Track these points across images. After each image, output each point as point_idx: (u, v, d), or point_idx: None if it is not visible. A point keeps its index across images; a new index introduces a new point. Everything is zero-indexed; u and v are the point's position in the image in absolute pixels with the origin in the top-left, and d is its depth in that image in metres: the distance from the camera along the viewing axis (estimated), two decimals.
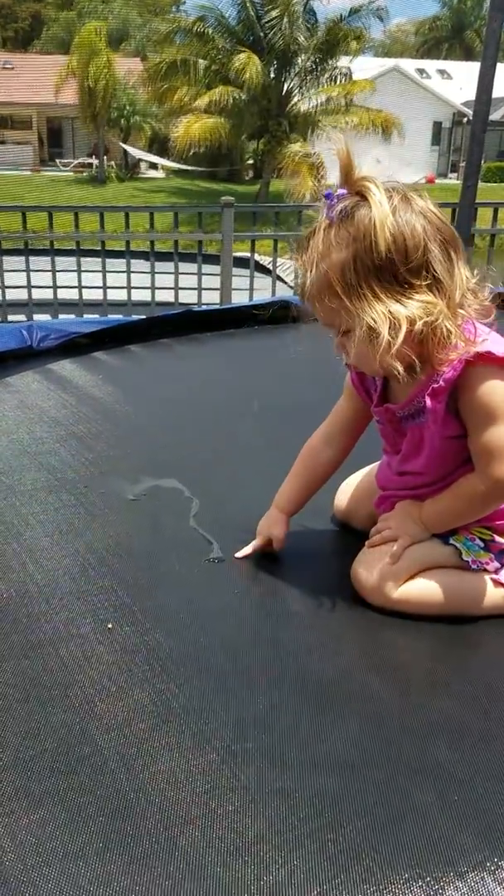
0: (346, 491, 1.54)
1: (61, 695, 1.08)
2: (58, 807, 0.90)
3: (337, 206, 1.14)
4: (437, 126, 31.66)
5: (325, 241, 1.14)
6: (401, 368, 1.15)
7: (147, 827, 0.87)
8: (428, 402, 1.22)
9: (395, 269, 1.12)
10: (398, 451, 1.35)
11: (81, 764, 0.96)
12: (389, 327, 1.11)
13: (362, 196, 1.13)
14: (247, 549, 1.45)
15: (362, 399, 1.39)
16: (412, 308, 1.12)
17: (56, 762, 0.96)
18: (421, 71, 34.35)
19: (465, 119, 28.48)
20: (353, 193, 1.14)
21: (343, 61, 21.86)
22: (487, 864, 0.84)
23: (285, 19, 20.85)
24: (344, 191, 1.15)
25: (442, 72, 36.06)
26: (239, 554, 1.44)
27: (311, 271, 1.16)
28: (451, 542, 1.29)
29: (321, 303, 1.17)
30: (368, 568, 1.29)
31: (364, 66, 23.01)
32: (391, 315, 1.11)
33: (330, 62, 21.92)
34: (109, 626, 1.23)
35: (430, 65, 37.38)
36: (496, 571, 1.29)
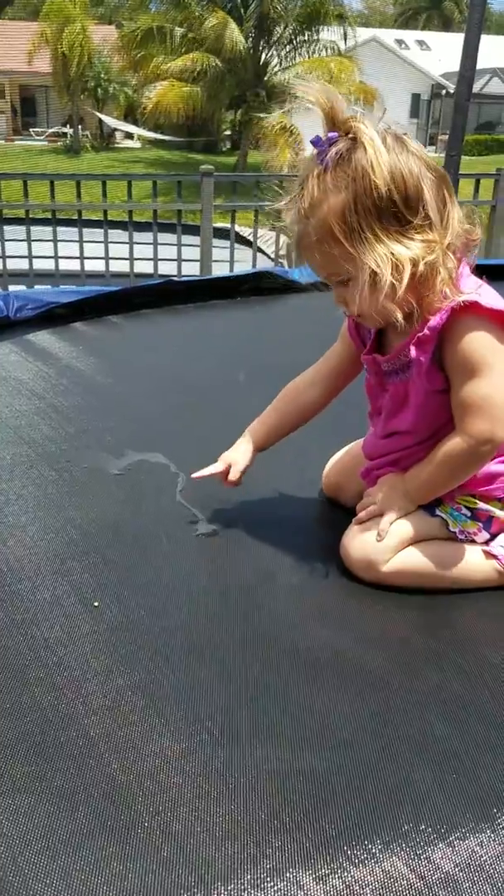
0: (334, 466, 1.52)
1: (46, 676, 1.05)
2: (44, 791, 0.87)
3: (329, 150, 1.10)
4: (416, 98, 31.43)
5: (321, 187, 1.11)
6: (400, 315, 1.13)
7: (138, 810, 0.85)
8: (413, 352, 1.19)
9: (395, 209, 1.09)
10: (380, 411, 1.33)
11: (68, 746, 0.93)
12: (393, 269, 1.09)
13: (353, 138, 1.09)
14: (203, 472, 1.44)
15: (356, 346, 1.35)
16: (414, 248, 1.10)
17: (41, 745, 0.93)
18: (400, 42, 34.01)
19: (444, 91, 28.33)
20: (344, 135, 1.10)
21: (327, 34, 21.54)
22: (489, 842, 0.82)
23: None
24: (334, 134, 1.11)
25: (421, 42, 35.74)
26: (195, 475, 1.44)
27: (308, 219, 1.13)
28: (438, 513, 1.27)
29: (320, 251, 1.14)
30: (357, 544, 1.27)
31: (346, 43, 22.63)
32: (394, 256, 1.09)
33: (310, 34, 21.60)
34: (95, 604, 1.19)
35: (409, 35, 37.01)
36: (486, 543, 1.27)
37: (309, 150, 1.15)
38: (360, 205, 1.09)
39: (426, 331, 1.16)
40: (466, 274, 1.18)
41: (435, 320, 1.15)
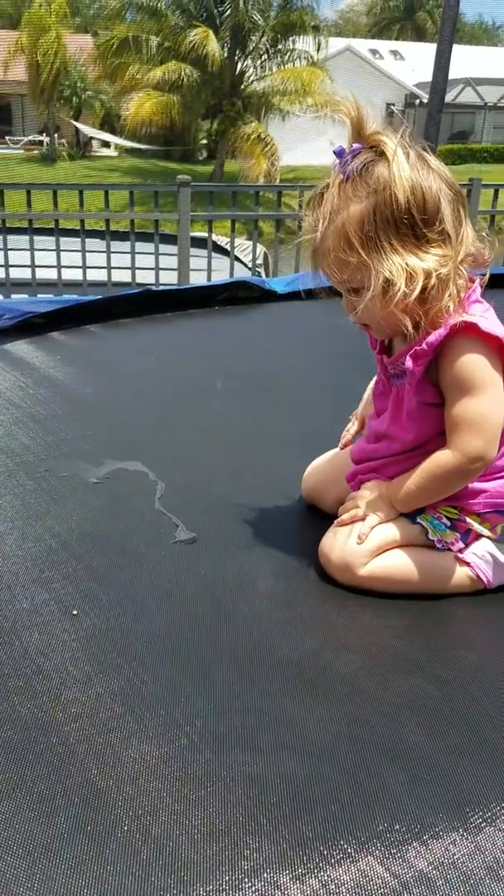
0: (314, 472, 1.53)
1: (25, 684, 1.05)
2: (25, 798, 0.87)
3: (352, 160, 1.14)
4: (390, 107, 31.73)
5: (342, 195, 1.15)
6: (410, 325, 1.17)
7: (118, 815, 0.86)
8: (408, 362, 1.21)
9: (412, 222, 1.13)
10: (381, 412, 1.36)
11: (48, 753, 0.94)
12: (406, 280, 1.12)
13: (378, 151, 1.13)
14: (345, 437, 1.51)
15: (370, 344, 1.38)
16: (429, 261, 1.13)
17: (21, 752, 0.94)
18: (374, 51, 34.34)
19: (418, 101, 28.61)
20: (368, 148, 1.15)
21: (302, 44, 21.73)
22: (462, 841, 0.84)
23: None
24: (359, 146, 1.15)
25: (395, 52, 36.10)
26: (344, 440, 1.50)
27: (325, 225, 1.16)
28: (419, 520, 1.29)
29: (335, 257, 1.17)
30: (336, 546, 1.29)
31: (319, 53, 22.80)
32: (408, 267, 1.12)
33: (284, 44, 21.76)
34: (75, 612, 1.20)
35: (383, 45, 37.37)
36: (460, 551, 1.29)
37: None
38: (379, 215, 1.13)
39: (424, 345, 1.19)
40: (476, 297, 1.22)
41: (433, 336, 1.18)
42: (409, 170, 1.12)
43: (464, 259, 1.17)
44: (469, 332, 1.17)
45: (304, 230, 1.24)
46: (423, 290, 1.14)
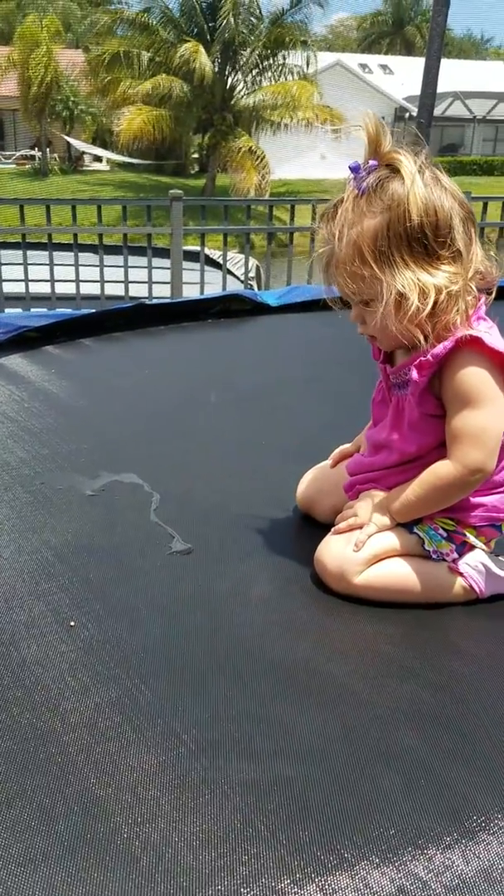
0: (309, 482, 1.55)
1: (24, 695, 1.06)
2: (25, 807, 0.88)
3: (367, 177, 1.17)
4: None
5: (356, 210, 1.18)
6: (422, 337, 1.20)
7: (117, 823, 0.87)
8: (413, 373, 1.24)
9: (425, 239, 1.16)
10: (379, 422, 1.38)
11: (48, 763, 0.95)
12: (419, 294, 1.15)
13: (393, 168, 1.17)
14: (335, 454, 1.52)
15: (373, 355, 1.40)
16: (440, 277, 1.16)
17: (21, 762, 0.95)
18: (363, 66, 34.65)
19: (407, 114, 28.84)
20: (384, 166, 1.18)
21: (293, 58, 21.90)
22: (455, 844, 0.85)
23: (230, 9, 20.79)
24: (374, 162, 1.18)
25: (384, 67, 36.42)
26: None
27: (339, 239, 1.19)
28: (415, 530, 1.30)
29: (348, 270, 1.20)
30: (332, 554, 1.30)
31: (309, 67, 22.99)
32: (420, 283, 1.16)
33: (276, 59, 21.94)
34: (72, 623, 1.21)
35: (373, 60, 37.71)
36: (454, 562, 1.31)
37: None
38: (393, 231, 1.16)
39: (429, 357, 1.21)
40: (481, 314, 1.24)
41: (438, 348, 1.20)
42: (423, 188, 1.16)
43: (472, 276, 1.20)
44: (474, 347, 1.19)
45: (318, 242, 1.27)
46: (434, 304, 1.17)
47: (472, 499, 1.29)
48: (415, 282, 1.16)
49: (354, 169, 1.20)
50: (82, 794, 0.90)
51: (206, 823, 0.87)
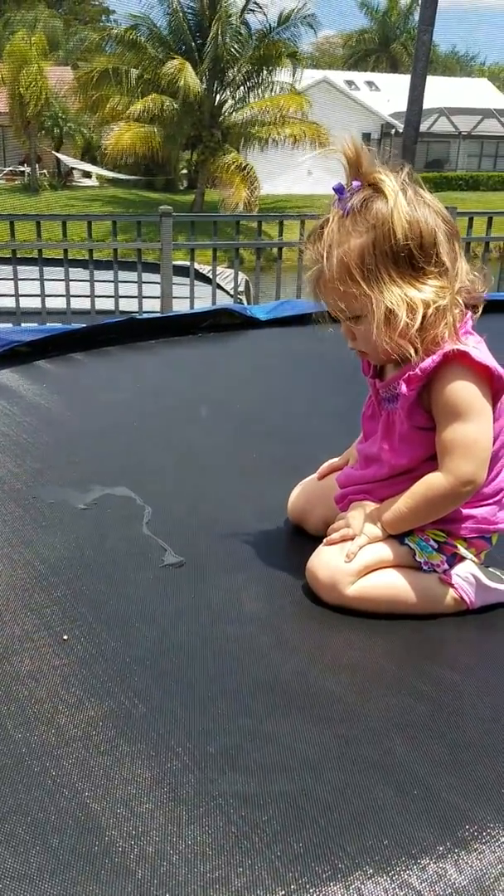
0: (300, 494, 1.56)
1: (18, 710, 1.06)
2: (20, 821, 0.88)
3: (352, 197, 1.20)
4: (366, 137, 32.25)
5: (342, 230, 1.20)
6: (413, 351, 1.21)
7: (112, 837, 0.87)
8: (402, 387, 1.25)
9: (410, 256, 1.18)
10: (369, 436, 1.39)
11: (42, 777, 0.95)
12: (407, 310, 1.17)
13: (376, 188, 1.19)
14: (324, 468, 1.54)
15: (363, 369, 1.41)
16: (427, 292, 1.19)
17: (15, 777, 0.95)
18: (350, 83, 34.98)
19: (394, 130, 29.14)
20: (367, 185, 1.20)
21: (280, 75, 22.09)
22: (448, 854, 0.86)
23: (218, 29, 20.98)
24: (357, 183, 1.20)
25: (370, 83, 36.78)
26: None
27: (327, 259, 1.21)
28: (406, 542, 1.31)
29: (337, 289, 1.22)
30: (324, 565, 1.31)
31: (295, 78, 23.23)
32: (408, 298, 1.18)
33: (263, 75, 22.13)
34: (65, 637, 1.21)
35: (359, 76, 38.08)
36: (445, 573, 1.32)
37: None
38: (379, 249, 1.18)
39: (417, 370, 1.23)
40: (469, 329, 1.26)
41: (427, 362, 1.22)
42: (406, 206, 1.18)
43: (459, 291, 1.22)
44: (461, 360, 1.21)
45: (306, 263, 1.29)
46: (422, 318, 1.19)
47: (462, 511, 1.31)
48: (402, 297, 1.18)
49: (339, 190, 1.22)
50: (77, 808, 0.90)
51: (200, 836, 0.87)
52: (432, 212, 1.21)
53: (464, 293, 1.24)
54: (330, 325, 1.31)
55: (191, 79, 20.68)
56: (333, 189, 1.23)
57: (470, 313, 1.27)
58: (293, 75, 22.48)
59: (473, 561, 1.33)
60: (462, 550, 1.32)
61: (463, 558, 1.32)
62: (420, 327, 1.20)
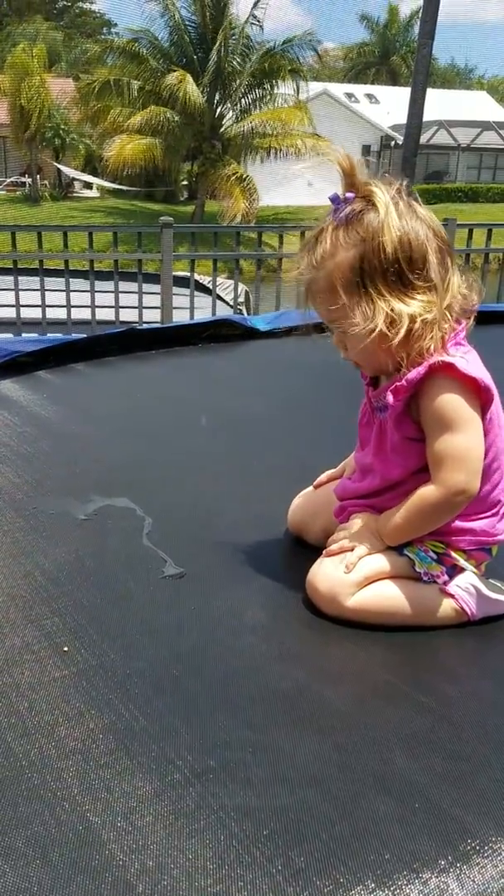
0: (300, 505, 1.56)
1: (18, 721, 1.06)
2: (20, 835, 0.88)
3: (345, 208, 1.20)
4: (366, 149, 32.41)
5: (334, 242, 1.21)
6: (391, 365, 1.22)
7: (112, 850, 0.86)
8: (389, 397, 1.26)
9: (399, 270, 1.19)
10: (364, 444, 1.39)
11: (42, 790, 0.94)
12: (390, 323, 1.18)
13: (369, 200, 1.19)
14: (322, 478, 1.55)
15: (361, 376, 1.42)
16: (414, 306, 1.19)
17: (15, 789, 0.94)
18: (350, 95, 35.19)
19: (393, 143, 29.30)
20: (361, 197, 1.20)
21: (282, 88, 22.20)
22: (450, 868, 0.85)
23: (222, 41, 21.11)
24: (352, 194, 1.21)
25: (370, 96, 36.99)
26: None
27: (318, 269, 1.22)
28: (406, 552, 1.31)
29: (326, 298, 1.23)
30: (323, 577, 1.31)
31: (299, 95, 23.34)
32: (394, 312, 1.18)
33: (265, 88, 22.24)
34: (65, 648, 1.21)
35: (359, 89, 38.30)
36: (445, 584, 1.32)
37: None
38: (368, 262, 1.18)
39: (404, 381, 1.23)
40: (461, 339, 1.26)
41: (413, 373, 1.22)
42: (397, 220, 1.18)
43: (449, 305, 1.23)
44: (447, 372, 1.21)
45: (299, 272, 1.29)
46: (409, 332, 1.19)
47: (460, 524, 1.31)
48: (388, 311, 1.18)
49: (334, 200, 1.23)
50: (77, 821, 0.90)
51: (201, 850, 0.87)
52: (424, 225, 1.21)
53: (455, 306, 1.24)
54: (318, 335, 1.32)
55: (192, 91, 20.79)
56: (329, 199, 1.24)
57: (464, 324, 1.27)
58: (296, 90, 22.57)
59: (474, 572, 1.33)
60: (461, 562, 1.32)
61: (463, 569, 1.32)
62: (406, 340, 1.20)
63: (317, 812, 0.92)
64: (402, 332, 1.18)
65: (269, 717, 1.08)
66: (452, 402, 1.22)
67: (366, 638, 1.26)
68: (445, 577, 1.31)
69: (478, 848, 0.88)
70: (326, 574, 1.31)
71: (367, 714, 1.10)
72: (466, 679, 1.20)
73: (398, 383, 1.24)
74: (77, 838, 0.88)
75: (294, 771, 0.99)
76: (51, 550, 1.50)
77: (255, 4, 21.90)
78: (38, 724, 1.05)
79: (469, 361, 1.23)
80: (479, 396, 1.24)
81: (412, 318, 1.18)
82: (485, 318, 1.32)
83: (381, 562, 1.31)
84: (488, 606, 1.32)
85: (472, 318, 1.29)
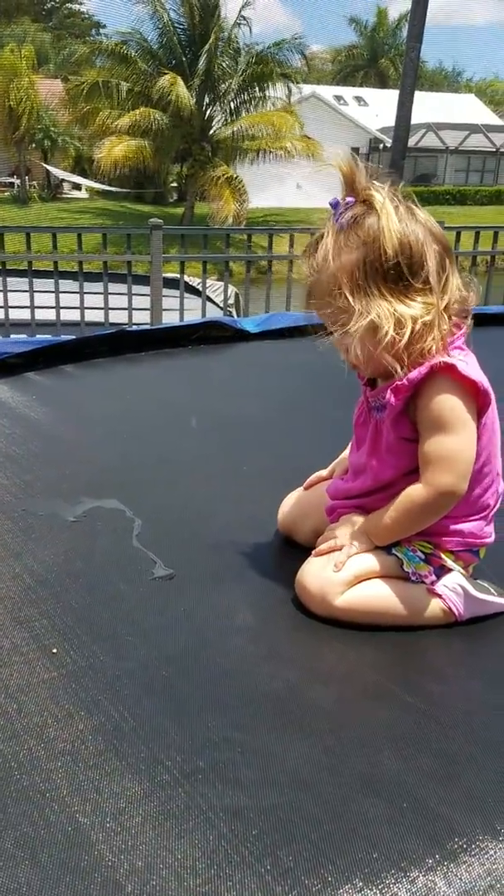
0: (290, 505, 1.56)
1: (6, 723, 1.06)
2: (8, 837, 0.88)
3: (346, 212, 1.22)
4: (355, 152, 32.35)
5: (335, 245, 1.22)
6: (399, 367, 1.23)
7: (101, 851, 0.86)
8: (389, 396, 1.27)
9: (400, 273, 1.20)
10: (360, 444, 1.40)
11: (31, 791, 0.94)
12: (395, 325, 1.19)
13: (369, 204, 1.21)
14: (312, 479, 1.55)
15: (358, 376, 1.42)
16: (415, 308, 1.20)
17: (4, 791, 0.94)
18: (338, 98, 35.26)
19: (382, 145, 29.38)
20: (361, 201, 1.21)
21: (272, 91, 22.21)
22: (437, 867, 0.86)
23: (212, 43, 21.12)
24: (352, 199, 1.22)
25: (359, 99, 37.08)
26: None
27: (320, 272, 1.24)
28: (394, 552, 1.32)
29: (328, 301, 1.24)
30: (312, 576, 1.32)
31: (291, 100, 23.39)
32: (396, 314, 1.19)
33: (255, 91, 22.25)
34: (54, 650, 1.21)
35: (347, 92, 38.39)
36: (432, 584, 1.32)
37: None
38: (369, 265, 1.20)
39: (405, 381, 1.24)
40: (459, 343, 1.27)
41: (414, 373, 1.23)
42: (397, 223, 1.19)
43: (448, 306, 1.24)
44: (448, 373, 1.22)
45: (300, 275, 1.31)
46: (410, 333, 1.20)
47: (449, 526, 1.32)
48: (391, 313, 1.20)
49: (334, 205, 1.24)
50: (66, 822, 0.90)
51: (190, 850, 0.87)
52: (424, 229, 1.22)
53: (455, 307, 1.26)
54: (326, 337, 1.32)
55: (183, 93, 20.78)
56: (329, 204, 1.25)
57: (464, 328, 1.28)
58: (288, 96, 22.58)
59: (461, 572, 1.34)
60: (449, 563, 1.33)
61: (450, 570, 1.33)
62: (407, 342, 1.21)
63: (305, 812, 0.93)
64: (407, 333, 1.19)
65: (258, 717, 1.09)
66: (449, 404, 1.23)
67: (354, 638, 1.27)
68: (433, 578, 1.32)
69: (465, 846, 0.88)
70: (315, 573, 1.31)
71: (356, 714, 1.11)
72: (454, 679, 1.21)
73: (399, 382, 1.25)
74: (66, 839, 0.88)
75: (283, 771, 0.99)
76: (40, 552, 1.50)
77: (244, 6, 21.92)
78: (26, 725, 1.05)
79: (469, 364, 1.25)
80: (477, 400, 1.25)
81: (414, 320, 1.20)
82: (476, 321, 1.33)
83: (369, 561, 1.31)
84: (475, 607, 1.33)
85: (470, 319, 1.30)
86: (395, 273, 1.20)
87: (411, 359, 1.23)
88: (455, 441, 1.24)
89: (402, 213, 1.21)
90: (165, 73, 20.98)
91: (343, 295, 1.21)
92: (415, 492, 1.27)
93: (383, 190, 1.22)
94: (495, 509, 1.36)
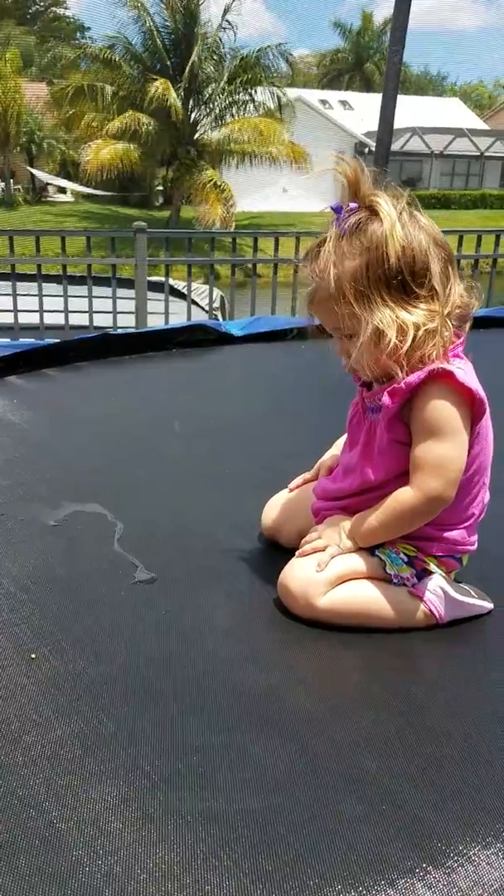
0: (275, 507, 1.56)
1: None
2: None
3: (349, 218, 1.21)
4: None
5: (338, 251, 1.22)
6: (400, 372, 1.23)
7: (79, 857, 0.86)
8: (385, 398, 1.27)
9: (402, 279, 1.20)
10: (354, 444, 1.40)
11: (9, 798, 0.94)
12: (397, 332, 1.19)
13: (372, 210, 1.20)
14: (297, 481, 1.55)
15: (354, 378, 1.42)
16: (417, 315, 1.20)
17: None
18: (324, 101, 35.35)
19: (367, 149, 29.46)
20: (364, 207, 1.21)
21: (258, 95, 22.20)
22: (416, 869, 0.86)
23: (197, 47, 21.14)
24: (355, 205, 1.22)
25: (344, 103, 37.18)
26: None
27: (322, 278, 1.23)
28: (377, 553, 1.33)
29: (329, 307, 1.24)
30: (295, 576, 1.31)
31: (269, 97, 23.40)
32: (399, 320, 1.19)
33: (240, 96, 22.26)
34: (33, 655, 1.20)
35: (333, 95, 38.51)
36: (414, 586, 1.33)
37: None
38: (372, 272, 1.20)
39: (402, 384, 1.24)
40: (458, 352, 1.28)
41: (412, 377, 1.23)
42: (401, 230, 1.19)
43: (451, 312, 1.24)
44: (446, 380, 1.23)
45: (301, 281, 1.30)
46: (412, 340, 1.20)
47: (434, 532, 1.32)
48: (393, 319, 1.20)
49: (336, 210, 1.24)
50: (44, 827, 0.89)
51: (168, 855, 0.86)
52: (427, 236, 1.22)
53: (457, 314, 1.26)
54: (327, 340, 1.32)
55: (174, 99, 20.77)
56: (331, 208, 1.25)
57: (463, 337, 1.29)
58: (278, 106, 22.57)
59: (442, 576, 1.34)
60: (432, 566, 1.33)
61: (432, 573, 1.33)
62: (409, 348, 1.21)
63: (285, 816, 0.92)
64: (409, 340, 1.19)
65: (239, 721, 1.08)
66: (444, 411, 1.24)
67: (336, 640, 1.27)
68: (415, 580, 1.32)
69: (444, 849, 0.88)
70: (298, 573, 1.31)
71: (337, 717, 1.11)
72: (435, 682, 1.21)
73: (396, 385, 1.25)
74: (44, 845, 0.87)
75: (263, 775, 0.99)
76: (20, 557, 1.49)
77: (227, 11, 21.92)
78: (4, 731, 1.05)
79: (466, 372, 1.25)
80: (473, 409, 1.26)
81: (416, 327, 1.20)
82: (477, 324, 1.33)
83: (353, 561, 1.32)
84: (456, 609, 1.33)
85: (467, 329, 1.30)
86: (398, 280, 1.20)
87: (411, 364, 1.23)
88: (447, 448, 1.24)
89: (406, 219, 1.21)
90: (154, 78, 20.94)
91: (346, 301, 1.21)
92: (403, 495, 1.27)
93: (388, 197, 1.22)
94: (480, 518, 1.37)
